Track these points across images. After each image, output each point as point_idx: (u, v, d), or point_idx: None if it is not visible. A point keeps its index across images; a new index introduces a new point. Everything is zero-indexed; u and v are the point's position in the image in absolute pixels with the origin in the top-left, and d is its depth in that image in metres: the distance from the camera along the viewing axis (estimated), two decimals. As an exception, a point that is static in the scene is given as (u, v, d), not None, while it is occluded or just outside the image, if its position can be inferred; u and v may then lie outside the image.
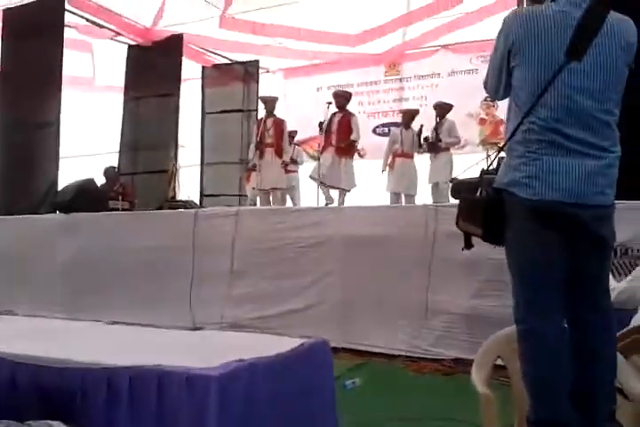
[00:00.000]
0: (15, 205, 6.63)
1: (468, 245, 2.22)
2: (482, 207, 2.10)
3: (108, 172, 7.98)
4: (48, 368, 1.63)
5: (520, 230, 2.01)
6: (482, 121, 9.65)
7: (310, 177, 7.09)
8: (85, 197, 6.15)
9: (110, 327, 2.21)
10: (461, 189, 2.22)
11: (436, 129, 7.31)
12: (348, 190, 7.07)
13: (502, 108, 9.51)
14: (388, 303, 4.46)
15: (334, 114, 7.14)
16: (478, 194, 2.10)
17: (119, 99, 9.28)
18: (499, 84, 2.14)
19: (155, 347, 1.87)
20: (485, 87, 2.26)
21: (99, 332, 2.18)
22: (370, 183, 8.20)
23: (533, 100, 1.96)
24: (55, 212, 6.23)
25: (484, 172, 2.19)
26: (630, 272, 2.73)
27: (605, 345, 1.98)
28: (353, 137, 7.13)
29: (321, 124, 7.15)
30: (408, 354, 4.30)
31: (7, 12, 7.26)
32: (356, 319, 4.57)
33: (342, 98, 7.26)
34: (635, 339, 2.09)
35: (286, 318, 4.74)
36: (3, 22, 7.22)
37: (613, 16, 1.99)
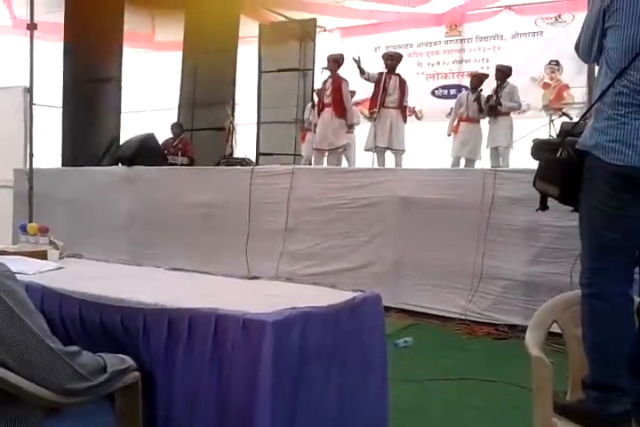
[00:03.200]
0: (80, 158, 6.83)
1: (544, 205, 2.18)
2: (562, 168, 2.05)
3: (175, 128, 8.13)
4: (111, 307, 1.69)
5: (600, 194, 1.96)
6: (545, 85, 9.31)
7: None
8: (146, 152, 6.28)
9: (170, 273, 2.25)
10: (542, 148, 2.16)
11: (497, 92, 7.11)
12: (403, 151, 7.00)
13: (567, 72, 9.20)
14: (444, 266, 4.45)
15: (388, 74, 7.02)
16: (559, 154, 2.04)
17: (178, 56, 9.33)
18: (592, 44, 2.07)
19: (213, 292, 1.92)
20: (577, 49, 2.18)
21: (159, 276, 2.23)
22: (428, 146, 8.09)
23: (626, 63, 1.89)
24: (118, 164, 6.37)
25: (566, 132, 2.12)
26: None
27: None
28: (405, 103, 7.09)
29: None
30: (462, 317, 4.30)
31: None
32: (410, 280, 4.58)
33: (393, 60, 7.11)
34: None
35: (340, 276, 4.78)
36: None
37: None
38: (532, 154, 2.23)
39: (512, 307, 4.16)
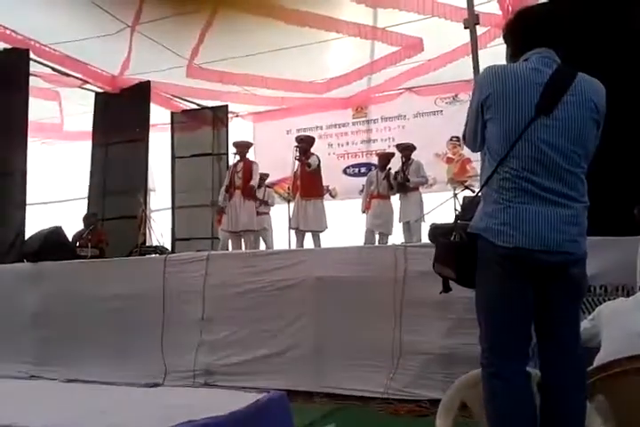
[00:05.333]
0: (-20, 255, 6.48)
1: (446, 288, 2.25)
2: (456, 251, 2.15)
3: (88, 218, 7.91)
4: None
5: (491, 275, 2.05)
6: (449, 160, 9.87)
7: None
8: (53, 246, 6.04)
9: (67, 386, 2.12)
10: (437, 233, 2.27)
11: (404, 170, 7.47)
12: (321, 231, 7.10)
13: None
14: (362, 345, 4.41)
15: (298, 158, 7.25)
16: (452, 238, 2.13)
17: (87, 145, 9.28)
18: (475, 136, 2.22)
19: (109, 408, 1.80)
20: (464, 139, 2.33)
21: (55, 392, 2.09)
22: (344, 223, 8.27)
23: (505, 151, 2.04)
24: (23, 261, 6.09)
25: (458, 217, 2.24)
26: (594, 310, 2.75)
27: (576, 391, 1.98)
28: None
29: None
30: (384, 396, 4.22)
31: (-28, 62, 7.27)
32: (330, 363, 4.50)
33: (305, 142, 7.38)
34: (598, 379, 2.09)
35: (260, 364, 4.65)
36: (-32, 72, 7.20)
37: (582, 76, 2.10)
38: (429, 238, 2.32)
39: (432, 382, 4.13)
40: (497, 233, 2.01)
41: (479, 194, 2.22)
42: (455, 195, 6.64)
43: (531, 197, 2.00)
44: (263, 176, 8.59)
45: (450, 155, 9.89)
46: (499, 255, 2.01)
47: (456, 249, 2.15)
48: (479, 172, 2.33)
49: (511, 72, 2.08)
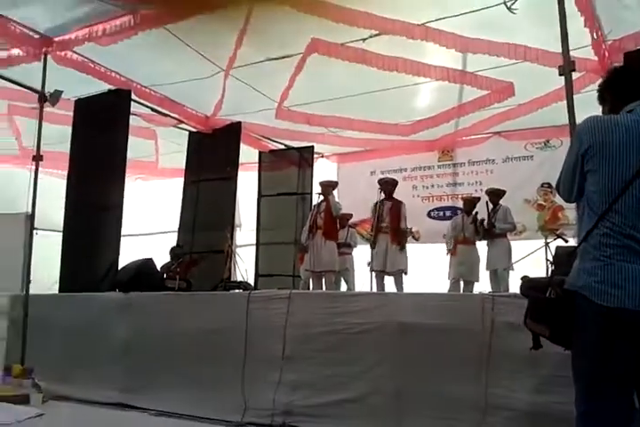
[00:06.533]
0: (77, 283, 6.82)
1: (537, 345, 2.17)
2: (551, 308, 2.07)
3: (175, 250, 8.19)
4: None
5: (589, 335, 1.95)
6: (540, 207, 9.58)
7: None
8: (144, 277, 6.29)
9: (155, 420, 2.16)
10: (530, 287, 2.19)
11: (490, 215, 7.32)
12: (404, 271, 7.04)
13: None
14: (445, 397, 4.26)
15: (382, 201, 7.28)
16: (548, 294, 2.06)
17: (180, 182, 9.70)
18: (572, 186, 2.16)
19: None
20: (558, 188, 2.28)
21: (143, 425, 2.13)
22: (426, 267, 8.18)
23: (607, 206, 1.97)
24: (115, 290, 6.35)
25: (554, 272, 2.17)
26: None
27: None
28: (402, 225, 7.27)
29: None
30: (466, 452, 4.04)
31: (79, 102, 7.80)
32: (410, 412, 4.36)
33: (389, 185, 7.39)
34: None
35: (339, 407, 4.58)
36: (74, 111, 7.73)
37: None
38: (520, 292, 2.25)
39: (520, 441, 3.94)
40: (597, 292, 1.93)
41: (576, 247, 2.13)
42: (547, 243, 6.41)
43: (633, 255, 1.91)
44: (347, 216, 8.66)
45: (541, 201, 9.60)
46: (598, 315, 1.92)
47: (552, 306, 2.06)
48: (571, 220, 2.26)
49: (615, 123, 2.03)
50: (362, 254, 8.26)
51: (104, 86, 7.66)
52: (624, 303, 1.87)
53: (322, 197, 7.56)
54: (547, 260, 6.03)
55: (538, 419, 3.91)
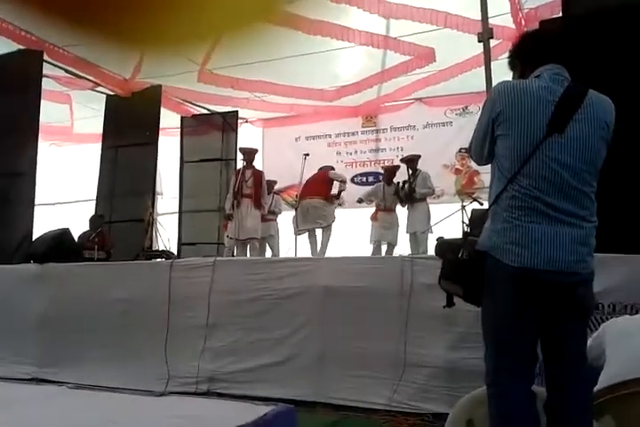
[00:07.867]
0: (-12, 255, 6.49)
1: (450, 303, 2.24)
2: (464, 268, 2.13)
3: (95, 220, 7.90)
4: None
5: (498, 294, 2.03)
6: (457, 171, 9.87)
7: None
8: (61, 248, 6.05)
9: (74, 393, 2.12)
10: (444, 249, 2.24)
11: (410, 181, 7.50)
12: (328, 225, 7.14)
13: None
14: (366, 356, 4.39)
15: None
16: (460, 255, 2.12)
17: (97, 148, 9.32)
18: (482, 151, 2.21)
19: (116, 417, 1.80)
20: (469, 152, 2.32)
21: (62, 399, 2.09)
22: (351, 232, 8.29)
23: (516, 169, 2.03)
24: (30, 262, 6.10)
25: (466, 233, 2.22)
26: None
27: (581, 412, 1.96)
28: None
29: None
30: (387, 409, 4.19)
31: (-14, 63, 7.30)
32: (334, 373, 4.48)
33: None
34: (605, 400, 2.08)
35: (263, 372, 4.63)
36: (-19, 73, 7.23)
37: (593, 94, 2.09)
38: (435, 252, 2.31)
39: (437, 395, 4.11)
40: (505, 252, 2.00)
41: (487, 210, 2.21)
42: (463, 207, 6.63)
43: (540, 216, 1.99)
44: (271, 183, 8.61)
45: (458, 166, 9.89)
46: (507, 274, 2.00)
47: (464, 267, 2.13)
48: (487, 184, 2.32)
49: (523, 89, 2.07)
50: (286, 221, 8.26)
51: (14, 46, 7.16)
52: (531, 263, 1.96)
53: (244, 163, 7.47)
54: (463, 222, 6.25)
55: (454, 374, 4.09)
